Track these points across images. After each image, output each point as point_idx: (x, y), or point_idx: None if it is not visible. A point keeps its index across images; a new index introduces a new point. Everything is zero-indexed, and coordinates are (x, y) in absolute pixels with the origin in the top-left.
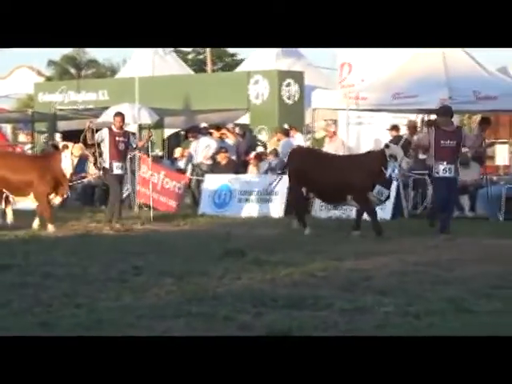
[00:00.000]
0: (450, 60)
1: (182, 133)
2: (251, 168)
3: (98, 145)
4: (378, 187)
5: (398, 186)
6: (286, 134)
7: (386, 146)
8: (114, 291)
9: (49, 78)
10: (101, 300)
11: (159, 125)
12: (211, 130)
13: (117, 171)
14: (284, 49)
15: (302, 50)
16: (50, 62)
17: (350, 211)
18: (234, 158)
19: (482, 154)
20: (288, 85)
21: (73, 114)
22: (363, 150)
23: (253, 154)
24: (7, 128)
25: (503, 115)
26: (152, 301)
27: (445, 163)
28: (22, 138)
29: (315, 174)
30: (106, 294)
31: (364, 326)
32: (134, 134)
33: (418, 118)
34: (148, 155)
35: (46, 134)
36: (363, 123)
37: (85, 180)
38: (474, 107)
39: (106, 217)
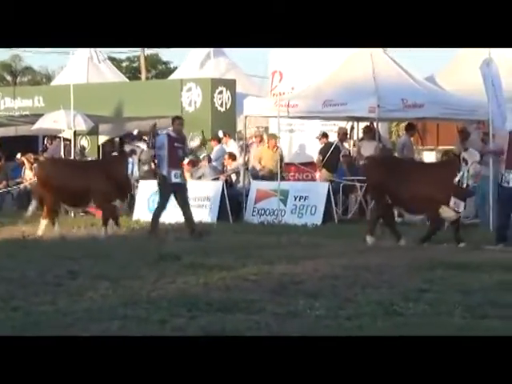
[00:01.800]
0: (379, 68)
1: (117, 139)
2: (185, 174)
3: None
4: (453, 199)
5: (328, 192)
6: (219, 141)
7: (465, 149)
8: (50, 295)
9: None
10: (37, 303)
11: (94, 131)
12: (145, 137)
13: (175, 180)
14: (216, 57)
15: (235, 59)
16: None
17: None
18: None
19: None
20: (220, 92)
21: (8, 121)
22: (294, 156)
23: (186, 161)
24: None
25: (430, 123)
26: (87, 304)
27: None
28: None
29: (395, 185)
30: (43, 298)
31: (296, 329)
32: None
33: (347, 125)
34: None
35: None
36: (294, 130)
37: (21, 185)
38: (401, 115)
39: (152, 229)
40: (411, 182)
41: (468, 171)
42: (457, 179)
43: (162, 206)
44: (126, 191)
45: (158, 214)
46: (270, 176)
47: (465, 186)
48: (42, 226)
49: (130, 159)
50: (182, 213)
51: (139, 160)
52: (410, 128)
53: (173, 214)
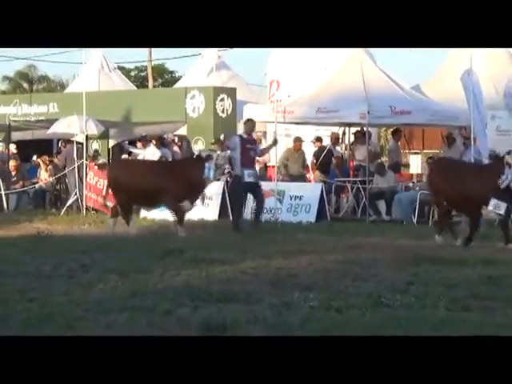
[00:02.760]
0: (369, 78)
1: (126, 143)
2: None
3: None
4: (493, 201)
5: (321, 192)
6: (221, 144)
7: (508, 152)
8: (63, 287)
9: (3, 92)
10: (51, 295)
11: (104, 135)
12: (153, 141)
13: (248, 179)
14: (218, 67)
15: (235, 69)
16: (5, 78)
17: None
18: None
19: (398, 163)
20: (222, 100)
21: (26, 125)
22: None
23: None
24: None
25: (416, 128)
26: (98, 295)
27: None
28: None
29: (452, 186)
30: (56, 290)
31: (291, 319)
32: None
33: (339, 131)
34: (95, 163)
35: (0, 144)
36: (290, 135)
37: (36, 185)
38: (390, 121)
39: (234, 226)
40: (461, 183)
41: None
42: (500, 182)
43: (239, 205)
44: (198, 193)
45: (237, 212)
46: (295, 177)
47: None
48: (111, 223)
49: (207, 164)
50: (255, 207)
51: (215, 164)
52: (396, 133)
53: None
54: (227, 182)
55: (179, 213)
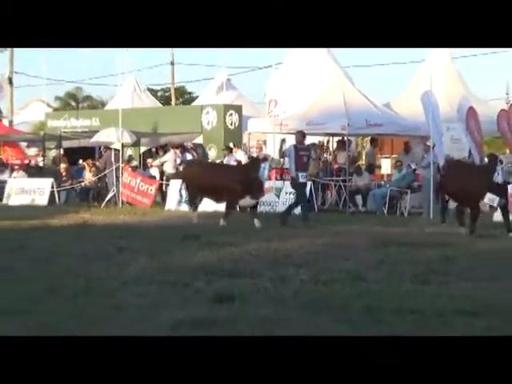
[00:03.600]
0: (348, 97)
1: (153, 149)
2: None
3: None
4: (488, 195)
5: (310, 189)
6: (230, 150)
7: (504, 153)
8: (103, 265)
9: (56, 109)
10: (94, 271)
11: (136, 143)
12: (175, 148)
13: (302, 180)
14: (228, 89)
15: (241, 90)
16: (57, 97)
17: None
18: None
19: (373, 165)
20: (231, 115)
21: (73, 136)
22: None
23: None
24: (23, 145)
25: (386, 137)
26: (132, 272)
27: None
28: (32, 152)
29: (458, 183)
30: (98, 267)
31: (286, 291)
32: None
33: (325, 139)
34: (129, 166)
35: (53, 150)
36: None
37: (82, 184)
38: (365, 131)
39: (305, 222)
40: (464, 180)
41: (502, 169)
42: (494, 178)
43: (302, 198)
44: (257, 190)
45: (303, 205)
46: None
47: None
48: (195, 216)
49: (263, 164)
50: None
51: (270, 165)
52: (374, 141)
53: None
54: None
55: (231, 206)
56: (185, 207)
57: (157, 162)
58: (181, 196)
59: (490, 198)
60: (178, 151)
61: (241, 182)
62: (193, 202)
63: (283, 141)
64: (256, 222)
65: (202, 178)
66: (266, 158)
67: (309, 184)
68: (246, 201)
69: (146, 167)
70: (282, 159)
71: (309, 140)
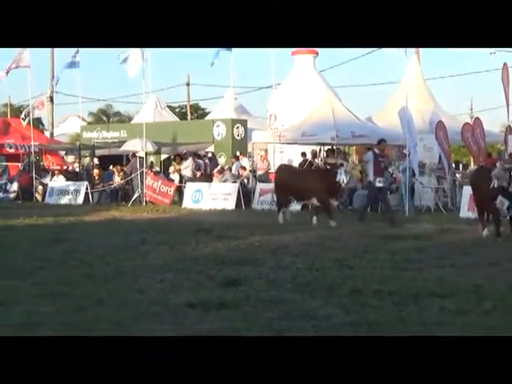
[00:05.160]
0: (337, 112)
1: (172, 157)
2: (215, 179)
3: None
4: (499, 198)
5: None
6: (237, 158)
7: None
8: (129, 254)
9: (89, 123)
10: (121, 260)
11: (158, 152)
12: (190, 156)
13: (378, 184)
14: (235, 105)
15: (246, 106)
16: (90, 113)
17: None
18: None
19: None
20: (237, 127)
21: (104, 145)
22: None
23: (216, 170)
24: (62, 153)
25: (370, 146)
26: (153, 261)
27: None
28: (70, 159)
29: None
30: (125, 256)
31: (284, 276)
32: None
33: (317, 148)
34: (152, 171)
35: (87, 158)
36: (283, 151)
37: (112, 186)
38: (351, 141)
39: (360, 218)
40: (485, 185)
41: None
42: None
43: (368, 203)
44: (336, 192)
45: (365, 207)
46: None
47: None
48: (280, 216)
49: (339, 170)
50: (383, 206)
51: (345, 171)
52: (378, 143)
53: (209, 203)
54: (241, 183)
55: (327, 207)
56: (199, 205)
57: (180, 167)
58: (195, 196)
59: (501, 201)
60: (195, 158)
61: (325, 185)
62: (281, 203)
63: (367, 149)
64: (331, 222)
65: (291, 182)
66: (342, 164)
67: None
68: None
69: (166, 172)
70: (360, 164)
71: (303, 149)
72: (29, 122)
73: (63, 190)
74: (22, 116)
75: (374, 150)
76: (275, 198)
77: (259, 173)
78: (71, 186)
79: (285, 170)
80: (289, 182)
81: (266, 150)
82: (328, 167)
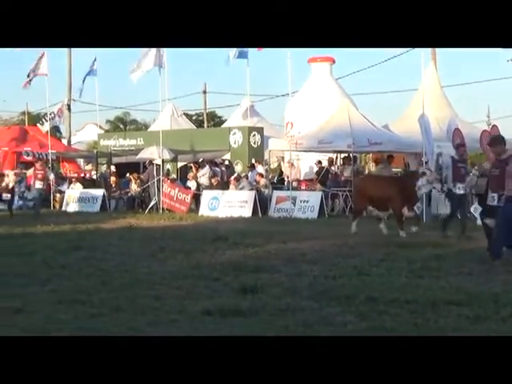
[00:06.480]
0: (353, 120)
1: (189, 165)
2: (231, 186)
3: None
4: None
5: (321, 198)
6: (253, 166)
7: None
8: (146, 262)
9: (107, 131)
10: (139, 267)
11: (175, 159)
12: (206, 164)
13: (458, 191)
14: (251, 113)
15: (262, 114)
16: (107, 121)
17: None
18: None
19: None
20: (254, 135)
21: (121, 153)
22: (302, 175)
23: (233, 177)
24: (79, 161)
25: (385, 154)
26: (171, 268)
27: None
28: (87, 167)
29: None
30: (142, 264)
31: (301, 284)
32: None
33: (333, 156)
34: (168, 179)
35: (105, 166)
36: (300, 159)
37: (129, 194)
38: (367, 149)
39: (443, 230)
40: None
41: None
42: None
43: (452, 211)
44: (413, 201)
45: (448, 219)
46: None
47: None
48: (353, 225)
49: (420, 179)
50: (460, 214)
51: (427, 180)
52: (390, 158)
53: (225, 211)
54: (258, 191)
55: (400, 217)
56: (215, 213)
57: (196, 175)
58: (211, 204)
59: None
60: (211, 166)
61: (401, 192)
62: (358, 212)
63: (439, 154)
64: (401, 232)
65: (370, 189)
66: (424, 173)
67: (320, 194)
68: (404, 212)
69: (183, 179)
70: (438, 171)
71: (320, 157)
72: (48, 128)
73: (80, 198)
74: (41, 121)
75: (452, 156)
76: (353, 206)
77: (288, 180)
78: (88, 193)
79: (368, 178)
80: (370, 190)
81: (283, 158)
82: (409, 175)
